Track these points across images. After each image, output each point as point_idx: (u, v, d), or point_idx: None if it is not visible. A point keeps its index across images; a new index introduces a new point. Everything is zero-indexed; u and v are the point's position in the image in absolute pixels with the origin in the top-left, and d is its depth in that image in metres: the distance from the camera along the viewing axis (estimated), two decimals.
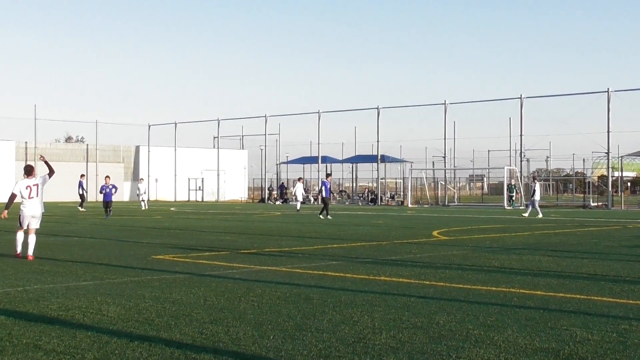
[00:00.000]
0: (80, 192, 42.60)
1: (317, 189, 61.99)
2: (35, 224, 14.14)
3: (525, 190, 50.95)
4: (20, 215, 14.15)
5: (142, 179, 48.01)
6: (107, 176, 34.48)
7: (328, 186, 33.88)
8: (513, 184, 53.11)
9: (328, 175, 32.95)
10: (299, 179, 45.43)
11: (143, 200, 44.00)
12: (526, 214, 33.98)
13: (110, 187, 32.59)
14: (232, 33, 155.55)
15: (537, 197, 34.44)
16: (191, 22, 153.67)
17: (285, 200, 60.70)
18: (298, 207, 41.32)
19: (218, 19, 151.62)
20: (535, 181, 36.04)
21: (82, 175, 45.54)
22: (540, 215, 33.34)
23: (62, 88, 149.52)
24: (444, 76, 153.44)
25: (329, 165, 66.87)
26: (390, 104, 68.42)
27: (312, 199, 60.51)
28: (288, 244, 17.84)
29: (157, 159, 67.14)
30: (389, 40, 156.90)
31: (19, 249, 14.15)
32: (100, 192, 33.13)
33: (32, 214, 14.10)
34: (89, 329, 7.23)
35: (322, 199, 33.74)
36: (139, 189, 44.91)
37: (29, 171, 14.31)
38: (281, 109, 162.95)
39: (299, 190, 42.31)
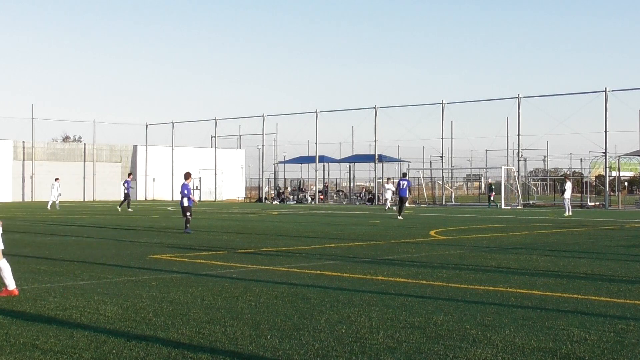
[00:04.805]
0: (126, 192, 41.78)
1: (313, 188, 62.19)
2: None
3: (522, 189, 50.91)
4: None
5: (58, 179, 45.02)
6: (188, 172, 23.66)
7: (409, 185, 31.28)
8: (492, 183, 53.85)
9: (405, 174, 32.26)
10: (388, 180, 45.37)
11: (54, 201, 42.61)
12: (567, 213, 34.73)
13: (190, 187, 22.97)
14: (230, 32, 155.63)
15: (567, 195, 36.09)
16: (189, 21, 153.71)
17: (282, 200, 60.68)
18: (388, 206, 42.54)
19: (215, 18, 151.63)
20: (567, 180, 37.85)
21: (130, 175, 45.35)
22: (568, 214, 34.56)
23: (59, 87, 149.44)
24: (442, 76, 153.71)
25: (326, 164, 66.82)
26: (387, 104, 68.27)
27: (309, 198, 60.51)
28: (285, 243, 17.83)
29: (154, 158, 67.03)
30: (387, 39, 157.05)
31: None
32: (182, 195, 22.68)
33: None
34: (87, 328, 7.23)
35: (401, 197, 31.19)
36: (53, 186, 43.23)
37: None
38: (279, 108, 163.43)
39: (389, 192, 43.16)
